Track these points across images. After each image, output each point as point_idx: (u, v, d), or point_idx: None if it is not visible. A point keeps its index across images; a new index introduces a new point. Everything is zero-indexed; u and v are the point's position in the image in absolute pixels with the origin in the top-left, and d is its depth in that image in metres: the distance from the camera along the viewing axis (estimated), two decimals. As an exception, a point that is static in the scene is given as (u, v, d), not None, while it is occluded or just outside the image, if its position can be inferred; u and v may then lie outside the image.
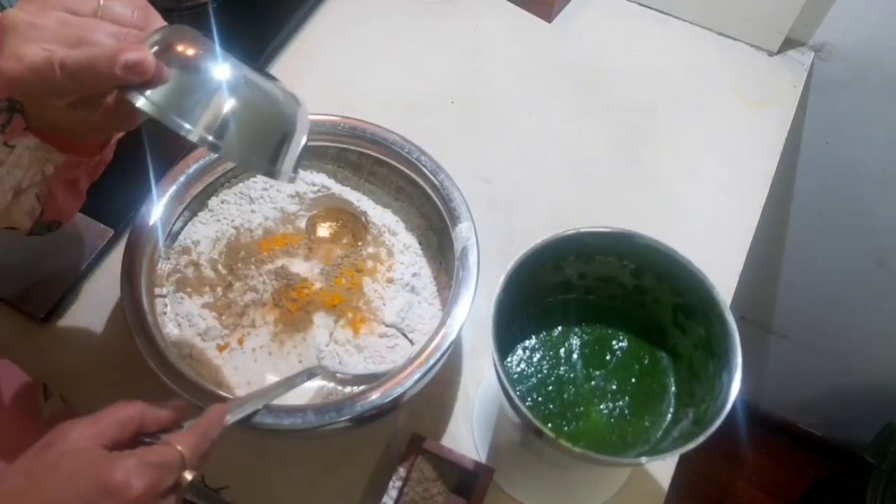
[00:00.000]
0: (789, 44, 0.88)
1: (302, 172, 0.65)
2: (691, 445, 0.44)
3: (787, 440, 1.54)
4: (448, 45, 0.88)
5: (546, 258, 0.52)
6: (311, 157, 0.67)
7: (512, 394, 0.46)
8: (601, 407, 0.54)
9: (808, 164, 1.00)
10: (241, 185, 0.67)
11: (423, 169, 0.62)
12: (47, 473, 0.35)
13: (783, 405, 1.52)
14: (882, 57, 0.84)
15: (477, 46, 0.88)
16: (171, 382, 0.51)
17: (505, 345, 0.54)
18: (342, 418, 0.51)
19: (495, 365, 0.47)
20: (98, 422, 0.38)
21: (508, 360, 0.56)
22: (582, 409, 0.54)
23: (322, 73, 0.84)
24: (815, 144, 0.97)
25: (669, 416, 0.54)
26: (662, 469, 0.62)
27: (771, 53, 0.88)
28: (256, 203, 0.66)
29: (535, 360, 0.56)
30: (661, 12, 0.91)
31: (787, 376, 1.44)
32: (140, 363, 0.52)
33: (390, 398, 0.51)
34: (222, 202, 0.66)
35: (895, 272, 1.07)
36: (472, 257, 0.57)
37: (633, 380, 0.55)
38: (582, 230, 0.51)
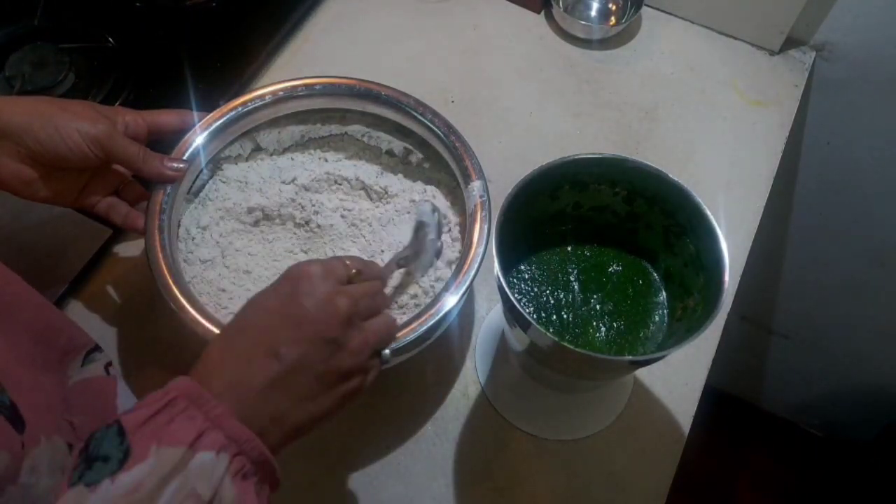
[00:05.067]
0: (791, 43, 0.88)
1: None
2: (685, 344, 0.46)
3: (788, 440, 1.54)
4: (447, 44, 0.88)
5: (543, 186, 0.55)
6: (324, 121, 0.68)
7: (514, 302, 0.47)
8: (599, 326, 0.57)
9: (809, 164, 1.00)
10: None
11: (437, 130, 0.62)
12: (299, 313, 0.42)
13: (784, 405, 1.52)
14: (883, 56, 0.84)
15: (476, 45, 0.88)
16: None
17: (506, 271, 0.56)
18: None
19: (498, 278, 0.50)
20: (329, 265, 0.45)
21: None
22: (581, 329, 0.57)
23: (321, 72, 0.84)
24: (817, 144, 0.97)
25: (664, 329, 0.57)
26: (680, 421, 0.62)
27: (772, 53, 0.88)
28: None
29: (534, 288, 0.58)
30: (663, 11, 0.91)
31: (787, 376, 1.44)
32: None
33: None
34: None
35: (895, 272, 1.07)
36: (484, 213, 0.58)
37: (628, 301, 0.58)
38: (576, 156, 0.54)
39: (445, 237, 0.63)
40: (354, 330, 0.43)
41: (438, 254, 0.61)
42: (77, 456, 0.36)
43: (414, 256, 0.58)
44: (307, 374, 0.41)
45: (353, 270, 0.46)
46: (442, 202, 0.65)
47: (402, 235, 0.64)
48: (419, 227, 0.59)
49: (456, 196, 0.65)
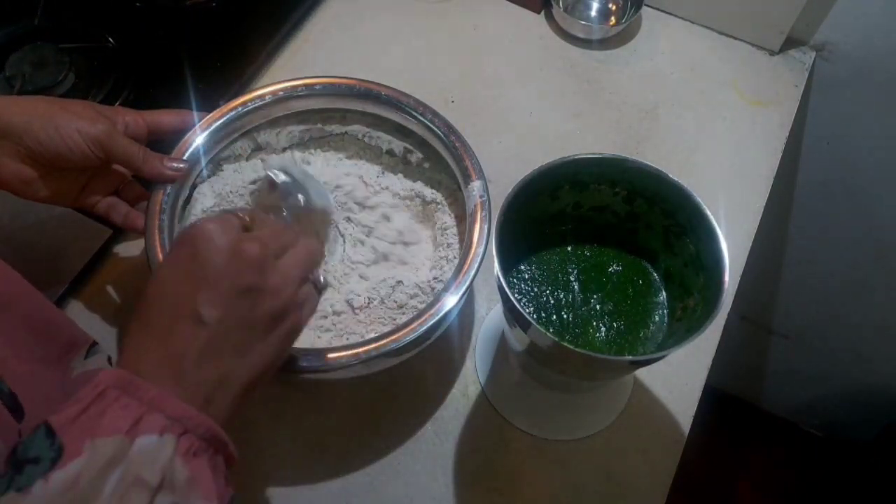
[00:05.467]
0: (790, 43, 0.88)
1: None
2: (685, 344, 0.46)
3: (788, 440, 1.54)
4: (447, 44, 0.88)
5: (543, 186, 0.55)
6: (324, 121, 0.68)
7: (514, 302, 0.47)
8: (599, 326, 0.57)
9: (809, 164, 1.00)
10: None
11: (437, 131, 0.62)
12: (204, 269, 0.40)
13: (784, 405, 1.53)
14: (883, 56, 0.84)
15: (476, 45, 0.88)
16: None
17: (506, 271, 0.56)
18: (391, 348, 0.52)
19: (498, 278, 0.49)
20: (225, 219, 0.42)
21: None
22: (581, 329, 0.57)
23: (321, 72, 0.84)
24: (817, 144, 0.97)
25: (664, 329, 0.57)
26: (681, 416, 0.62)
27: (772, 53, 0.88)
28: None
29: (534, 288, 0.58)
30: (663, 11, 0.91)
31: (787, 377, 1.44)
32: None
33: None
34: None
35: (896, 272, 1.07)
36: (484, 213, 0.58)
37: (628, 301, 0.58)
38: (576, 156, 0.53)
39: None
40: (270, 270, 0.41)
41: (322, 187, 0.61)
42: (6, 461, 0.34)
43: (297, 201, 0.58)
44: (237, 329, 0.40)
45: (247, 219, 0.44)
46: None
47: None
48: (279, 180, 0.59)
49: (456, 197, 0.65)
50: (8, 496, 0.33)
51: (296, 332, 0.44)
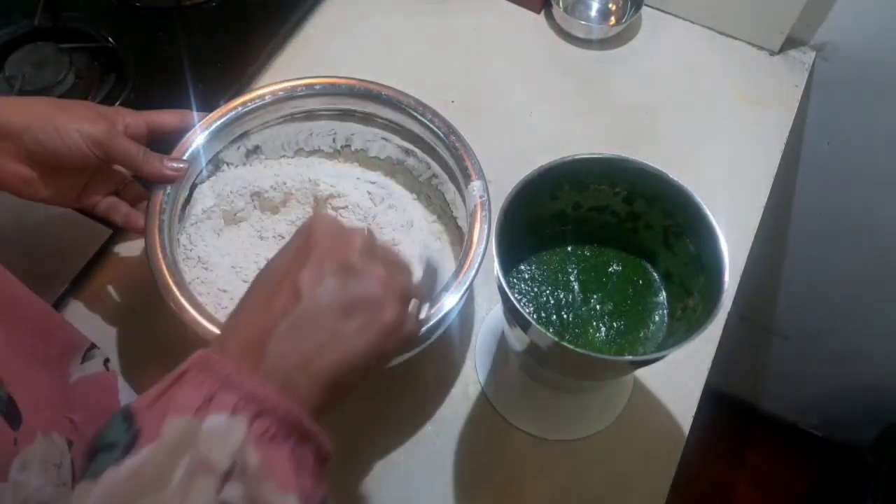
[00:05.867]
0: (790, 43, 0.88)
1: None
2: (685, 344, 0.46)
3: (788, 440, 1.54)
4: (447, 44, 0.88)
5: (543, 187, 0.55)
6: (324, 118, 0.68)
7: (514, 302, 0.47)
8: (599, 326, 0.57)
9: (809, 164, 1.00)
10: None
11: (437, 131, 0.62)
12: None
13: (784, 405, 1.52)
14: (883, 57, 0.84)
15: (476, 45, 0.88)
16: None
17: (506, 271, 0.56)
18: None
19: (498, 278, 0.49)
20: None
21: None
22: (581, 329, 0.57)
23: (321, 72, 0.84)
24: (817, 144, 0.97)
25: (664, 329, 0.57)
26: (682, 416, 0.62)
27: (772, 53, 0.88)
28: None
29: (534, 288, 0.58)
30: (663, 11, 0.91)
31: (787, 377, 1.44)
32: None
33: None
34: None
35: (896, 272, 1.07)
36: (484, 213, 0.58)
37: (628, 301, 0.58)
38: (576, 156, 0.54)
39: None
40: (373, 261, 0.41)
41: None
42: (86, 451, 0.34)
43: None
44: (331, 306, 0.38)
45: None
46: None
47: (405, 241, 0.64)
48: (430, 272, 0.56)
49: (455, 196, 0.65)
50: (81, 484, 0.31)
51: (393, 333, 0.41)
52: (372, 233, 0.44)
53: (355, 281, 0.40)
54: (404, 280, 0.43)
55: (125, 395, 0.55)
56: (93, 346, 0.54)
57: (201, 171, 0.63)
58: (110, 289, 0.68)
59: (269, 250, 0.65)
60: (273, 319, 0.37)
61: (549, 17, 0.90)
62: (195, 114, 0.61)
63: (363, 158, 0.70)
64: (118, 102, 0.75)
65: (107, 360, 0.54)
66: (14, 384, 0.42)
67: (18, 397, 0.41)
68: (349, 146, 0.69)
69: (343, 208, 0.66)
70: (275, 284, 0.39)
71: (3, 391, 0.40)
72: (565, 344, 0.46)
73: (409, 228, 0.65)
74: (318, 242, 0.40)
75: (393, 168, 0.69)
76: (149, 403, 0.34)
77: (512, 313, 0.50)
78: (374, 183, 0.68)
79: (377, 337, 0.40)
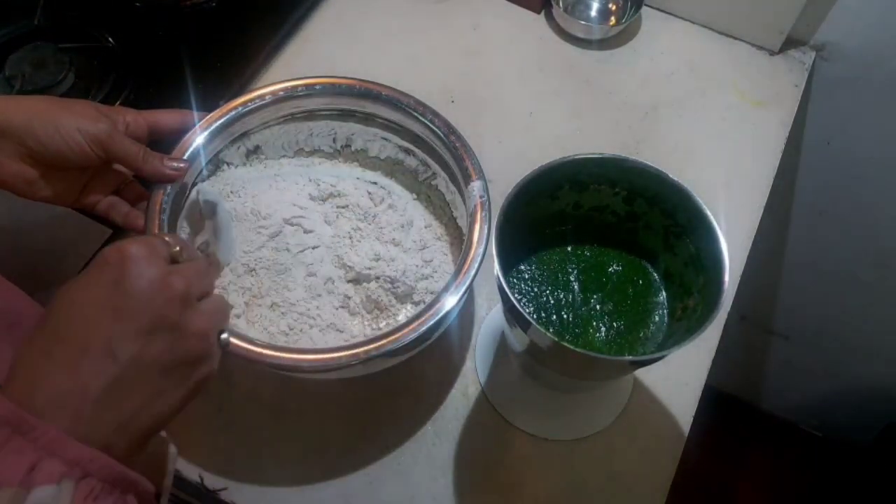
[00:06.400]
0: (790, 43, 0.88)
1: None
2: (685, 344, 0.46)
3: (788, 440, 1.54)
4: (447, 44, 0.88)
5: (542, 187, 0.55)
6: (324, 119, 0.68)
7: (514, 302, 0.47)
8: (599, 326, 0.57)
9: (809, 164, 1.00)
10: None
11: (437, 131, 0.62)
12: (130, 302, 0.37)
13: (784, 405, 1.53)
14: (883, 56, 0.84)
15: (477, 45, 0.88)
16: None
17: (506, 271, 0.56)
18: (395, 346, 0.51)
19: (498, 278, 0.49)
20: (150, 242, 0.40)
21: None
22: (581, 329, 0.57)
23: (321, 72, 0.84)
24: (817, 144, 0.97)
25: (664, 329, 0.57)
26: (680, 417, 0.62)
27: (772, 53, 0.88)
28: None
29: (534, 288, 0.58)
30: (663, 11, 0.91)
31: (787, 377, 1.44)
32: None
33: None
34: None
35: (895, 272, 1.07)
36: (484, 213, 0.58)
37: (628, 301, 0.58)
38: (576, 156, 0.53)
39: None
40: (193, 311, 0.39)
41: (233, 237, 0.60)
42: None
43: (213, 239, 0.57)
44: (151, 369, 0.36)
45: (176, 248, 0.41)
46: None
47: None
48: (207, 207, 0.58)
49: (455, 196, 0.65)
50: None
51: (206, 382, 0.40)
52: (184, 249, 0.42)
53: (176, 342, 0.38)
54: (218, 316, 0.42)
55: None
56: None
57: (201, 171, 0.63)
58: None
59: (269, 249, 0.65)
60: (86, 380, 0.35)
61: (549, 17, 0.90)
62: (195, 114, 0.61)
63: (363, 158, 0.70)
64: (118, 102, 0.75)
65: None
66: None
67: None
68: (349, 146, 0.69)
69: (344, 208, 0.66)
70: (84, 336, 0.36)
71: None
72: (565, 344, 0.46)
73: (409, 228, 0.65)
74: (132, 291, 0.37)
75: (393, 168, 0.69)
76: None
77: (512, 313, 0.50)
78: (374, 183, 0.68)
79: (194, 392, 0.40)
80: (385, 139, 0.68)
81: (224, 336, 0.43)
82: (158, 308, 0.37)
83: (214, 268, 0.44)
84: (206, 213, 0.58)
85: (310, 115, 0.67)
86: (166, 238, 0.42)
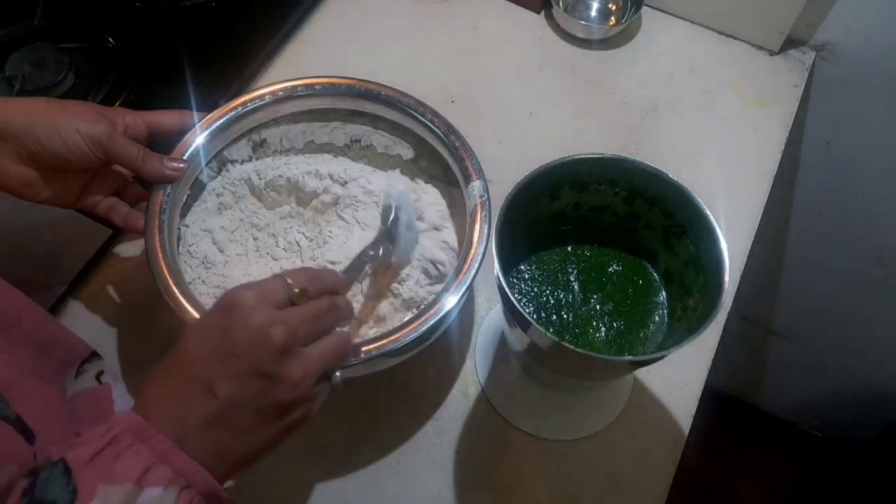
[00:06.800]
0: (791, 43, 0.88)
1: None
2: (685, 344, 0.46)
3: (788, 440, 1.54)
4: (447, 44, 0.88)
5: (543, 186, 0.55)
6: (324, 120, 0.68)
7: (514, 302, 0.47)
8: (599, 326, 0.57)
9: (809, 164, 1.00)
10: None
11: (437, 131, 0.62)
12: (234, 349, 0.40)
13: (784, 405, 1.52)
14: (883, 57, 0.84)
15: (476, 45, 0.88)
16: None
17: (506, 271, 0.56)
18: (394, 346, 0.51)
19: (498, 278, 0.49)
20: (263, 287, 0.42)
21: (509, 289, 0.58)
22: (581, 329, 0.57)
23: (321, 72, 0.84)
24: (817, 144, 0.97)
25: (664, 329, 0.57)
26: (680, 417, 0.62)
27: (772, 53, 0.88)
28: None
29: (534, 288, 0.58)
30: (663, 11, 0.91)
31: (787, 377, 1.44)
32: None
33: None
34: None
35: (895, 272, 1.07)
36: (484, 213, 0.58)
37: (628, 301, 0.58)
38: (576, 156, 0.54)
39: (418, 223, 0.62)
40: (293, 360, 0.41)
41: (417, 235, 0.60)
42: (20, 495, 0.35)
43: (389, 247, 0.57)
44: (245, 410, 0.40)
45: (296, 290, 0.43)
46: (406, 183, 0.65)
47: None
48: (386, 212, 0.58)
49: (455, 197, 0.65)
50: None
51: (300, 424, 0.43)
52: (310, 288, 0.43)
53: (270, 389, 0.40)
54: (323, 362, 0.43)
55: (122, 403, 0.55)
56: (91, 356, 0.54)
57: (201, 171, 0.63)
58: (110, 289, 0.68)
59: (271, 251, 0.65)
60: (190, 411, 0.39)
61: (549, 17, 0.90)
62: (195, 114, 0.61)
63: (372, 155, 0.70)
64: (118, 102, 0.75)
65: (99, 374, 0.54)
66: (19, 402, 0.42)
67: (26, 414, 0.42)
68: (359, 141, 0.69)
69: (349, 206, 0.66)
70: (193, 372, 0.40)
71: (10, 410, 0.40)
72: (565, 344, 0.46)
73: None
74: (234, 338, 0.40)
75: (393, 167, 0.69)
76: (85, 461, 0.36)
77: (512, 313, 0.50)
78: (374, 180, 0.68)
79: (288, 431, 0.43)
80: (385, 139, 0.68)
81: (337, 375, 0.45)
82: (256, 357, 0.40)
83: (338, 309, 0.45)
84: (385, 217, 0.58)
85: (310, 115, 0.67)
86: (288, 280, 0.43)
